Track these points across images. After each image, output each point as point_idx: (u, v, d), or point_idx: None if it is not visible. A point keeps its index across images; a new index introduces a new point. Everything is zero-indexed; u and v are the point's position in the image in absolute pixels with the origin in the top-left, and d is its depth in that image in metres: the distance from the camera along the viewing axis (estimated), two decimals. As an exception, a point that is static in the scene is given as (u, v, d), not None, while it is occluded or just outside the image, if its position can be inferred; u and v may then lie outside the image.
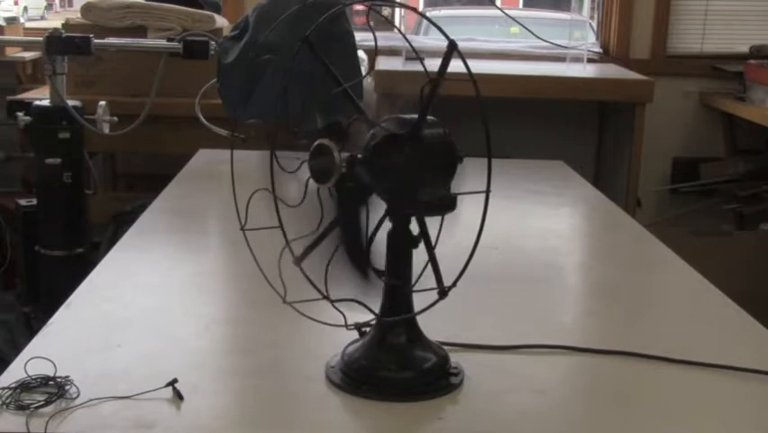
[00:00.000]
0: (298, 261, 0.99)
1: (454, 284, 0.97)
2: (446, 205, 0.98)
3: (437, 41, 3.56)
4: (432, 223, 0.99)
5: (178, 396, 0.95)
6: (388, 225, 1.01)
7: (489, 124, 0.91)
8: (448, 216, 0.97)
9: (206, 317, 1.21)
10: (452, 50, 0.93)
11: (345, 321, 1.02)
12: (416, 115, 0.96)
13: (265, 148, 0.96)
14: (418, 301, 1.01)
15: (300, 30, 0.95)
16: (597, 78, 3.29)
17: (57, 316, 1.17)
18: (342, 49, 2.10)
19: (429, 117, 0.97)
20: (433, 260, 0.98)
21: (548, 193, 1.96)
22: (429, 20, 0.96)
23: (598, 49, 3.70)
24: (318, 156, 0.94)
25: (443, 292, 0.97)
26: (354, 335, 1.07)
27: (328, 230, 0.99)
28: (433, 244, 0.99)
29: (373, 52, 3.45)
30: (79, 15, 2.84)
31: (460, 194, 0.96)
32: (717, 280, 1.39)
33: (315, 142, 0.94)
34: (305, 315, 1.02)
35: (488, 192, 0.94)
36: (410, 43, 0.99)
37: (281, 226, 0.97)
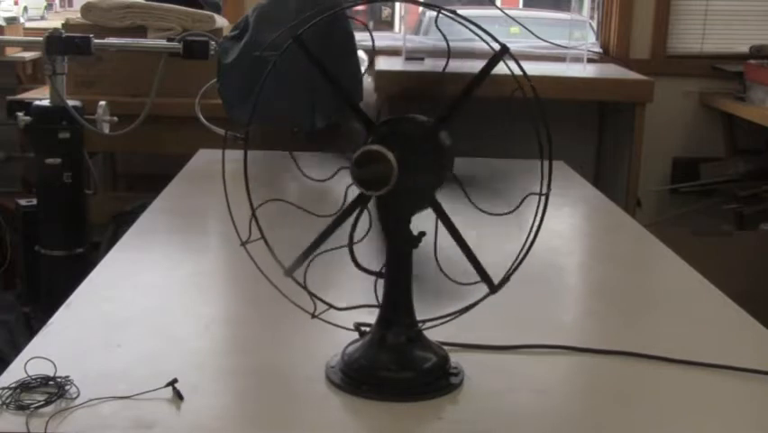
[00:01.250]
0: (289, 272, 0.98)
1: (507, 278, 0.98)
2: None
3: (437, 42, 3.55)
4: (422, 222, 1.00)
5: (178, 396, 0.95)
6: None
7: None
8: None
9: (206, 318, 1.21)
10: (503, 52, 0.93)
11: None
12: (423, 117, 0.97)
13: (266, 148, 0.96)
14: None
15: (300, 29, 0.95)
16: (597, 78, 3.28)
17: (57, 316, 1.17)
18: (342, 49, 2.10)
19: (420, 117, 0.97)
20: (471, 255, 0.98)
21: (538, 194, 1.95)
22: (476, 24, 0.95)
23: (598, 49, 3.70)
24: (369, 164, 0.90)
25: (493, 287, 0.98)
26: (354, 335, 1.07)
27: (321, 239, 0.98)
28: (465, 241, 0.98)
29: (372, 52, 3.45)
30: (79, 15, 2.84)
31: (542, 193, 0.95)
32: (717, 281, 1.39)
33: (362, 149, 0.91)
34: (335, 324, 1.02)
35: (548, 193, 0.95)
36: (492, 39, 0.98)
37: (263, 238, 0.97)
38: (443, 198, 0.98)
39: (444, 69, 0.98)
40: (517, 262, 0.98)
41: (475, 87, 0.95)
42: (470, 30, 0.94)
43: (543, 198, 0.94)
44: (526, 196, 0.96)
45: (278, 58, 0.93)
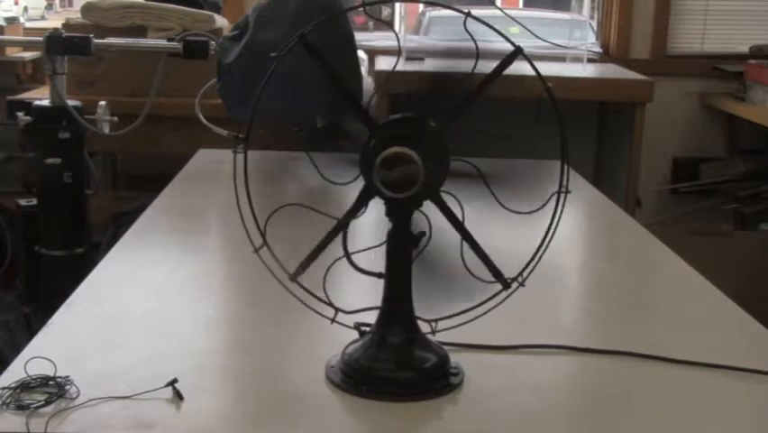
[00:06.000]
0: (294, 277, 0.98)
1: (521, 274, 0.99)
2: None
3: (437, 41, 3.55)
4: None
5: (178, 396, 0.95)
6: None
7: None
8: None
9: (206, 317, 1.21)
10: (516, 54, 0.94)
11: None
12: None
13: (274, 148, 0.96)
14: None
15: (300, 29, 0.95)
16: (597, 78, 3.28)
17: (57, 316, 1.17)
18: (343, 50, 2.10)
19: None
20: (481, 253, 0.98)
21: (548, 193, 1.95)
22: (492, 27, 0.96)
23: (598, 49, 3.70)
24: (396, 166, 0.91)
25: (506, 284, 0.99)
26: (354, 334, 1.07)
27: (325, 242, 0.98)
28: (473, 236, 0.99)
29: (372, 52, 3.45)
30: (79, 15, 2.84)
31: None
32: (717, 281, 1.39)
33: (387, 152, 0.91)
34: (347, 326, 1.02)
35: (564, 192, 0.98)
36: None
37: (266, 243, 0.97)
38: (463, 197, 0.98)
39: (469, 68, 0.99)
40: (535, 261, 0.99)
41: (487, 87, 0.95)
42: (495, 30, 0.94)
43: (562, 195, 0.97)
44: (552, 195, 0.96)
45: (281, 57, 0.93)
